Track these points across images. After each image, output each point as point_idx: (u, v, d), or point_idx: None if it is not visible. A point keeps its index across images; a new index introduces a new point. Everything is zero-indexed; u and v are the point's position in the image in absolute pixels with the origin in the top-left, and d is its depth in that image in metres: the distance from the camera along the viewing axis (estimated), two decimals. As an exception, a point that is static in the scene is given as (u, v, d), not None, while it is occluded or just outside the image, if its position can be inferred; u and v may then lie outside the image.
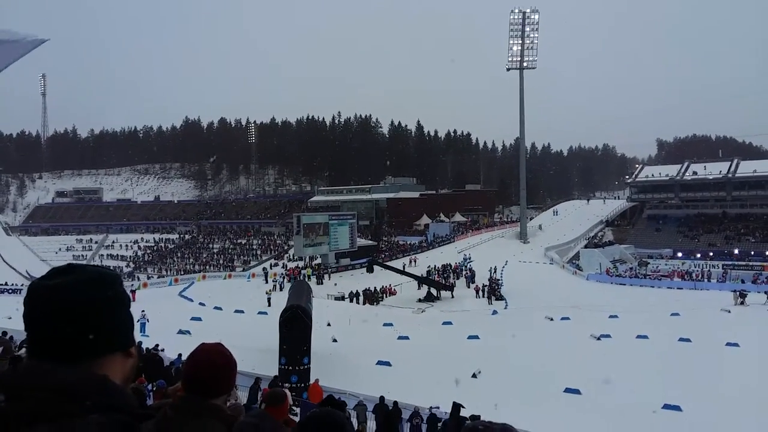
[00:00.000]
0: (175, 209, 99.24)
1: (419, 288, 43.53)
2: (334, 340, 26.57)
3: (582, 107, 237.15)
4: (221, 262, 68.12)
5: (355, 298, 40.66)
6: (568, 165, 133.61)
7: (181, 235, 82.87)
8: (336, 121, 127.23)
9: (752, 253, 55.49)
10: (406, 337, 27.84)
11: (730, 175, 66.09)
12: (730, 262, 51.10)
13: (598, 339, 27.10)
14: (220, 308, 34.58)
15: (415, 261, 55.18)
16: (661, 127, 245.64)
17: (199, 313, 31.95)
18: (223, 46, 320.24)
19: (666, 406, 17.20)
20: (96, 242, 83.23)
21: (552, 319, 32.32)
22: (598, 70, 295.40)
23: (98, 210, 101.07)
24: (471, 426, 1.48)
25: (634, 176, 75.99)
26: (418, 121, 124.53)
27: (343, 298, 40.96)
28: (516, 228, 69.76)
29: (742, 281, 43.33)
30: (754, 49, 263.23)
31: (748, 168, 66.53)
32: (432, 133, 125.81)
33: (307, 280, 43.34)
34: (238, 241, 75.83)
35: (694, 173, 69.43)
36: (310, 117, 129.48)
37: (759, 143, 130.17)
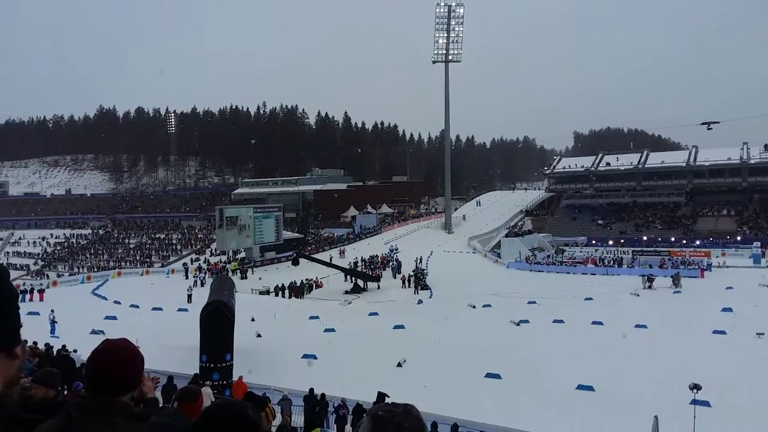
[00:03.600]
0: (88, 203, 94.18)
1: (346, 280, 43.53)
2: (259, 336, 26.10)
3: (504, 100, 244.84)
4: (138, 258, 65.39)
5: (280, 292, 40.12)
6: (491, 157, 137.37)
7: (95, 230, 78.79)
8: (261, 112, 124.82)
9: (659, 239, 59.32)
10: (333, 330, 27.76)
11: (640, 166, 70.23)
12: (639, 249, 54.31)
13: (518, 324, 28.11)
14: (137, 306, 33.16)
15: (343, 253, 55.12)
16: (577, 120, 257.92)
17: (114, 312, 30.51)
18: (141, 31, 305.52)
19: (580, 387, 18.04)
20: (1, 239, 77.72)
21: (474, 307, 33.21)
22: (519, 65, 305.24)
23: (3, 204, 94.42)
24: (374, 409, 1.43)
25: (552, 167, 79.18)
26: (346, 113, 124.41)
27: (268, 293, 40.33)
28: (441, 219, 71.09)
29: (650, 266, 46.13)
30: (664, 45, 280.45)
31: (656, 159, 71.00)
32: (359, 125, 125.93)
33: (230, 275, 42.30)
34: (157, 235, 72.97)
35: (608, 164, 73.22)
36: (233, 107, 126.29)
37: (667, 136, 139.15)
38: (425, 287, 41.90)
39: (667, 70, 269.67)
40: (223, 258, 54.02)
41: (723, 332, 24.91)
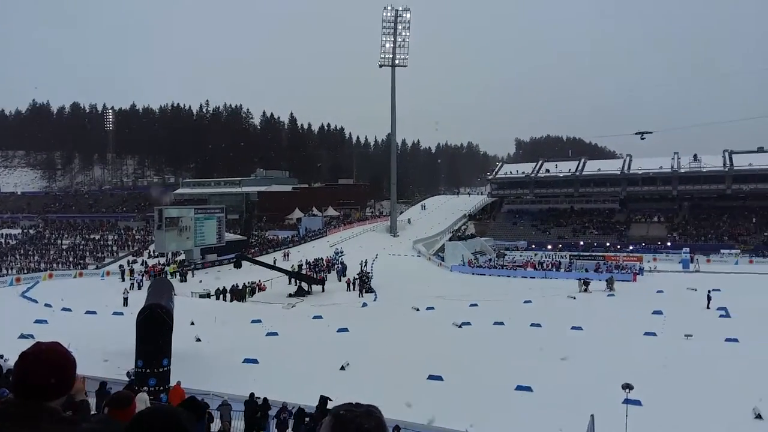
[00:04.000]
0: (18, 201, 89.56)
1: (290, 283, 43.05)
2: (198, 340, 25.44)
3: (449, 106, 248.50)
4: (71, 259, 62.52)
5: (221, 296, 39.25)
6: (436, 161, 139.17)
7: (25, 230, 74.91)
8: (204, 110, 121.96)
9: (595, 244, 61.60)
10: (275, 333, 27.38)
11: (578, 173, 72.78)
12: (576, 253, 56.21)
13: (460, 327, 28.52)
14: (69, 309, 31.70)
15: (287, 255, 54.49)
16: (519, 127, 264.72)
17: (45, 316, 29.06)
18: (79, 25, 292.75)
19: (519, 387, 18.48)
20: None
21: (418, 310, 33.51)
22: (464, 71, 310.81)
23: None
24: (336, 409, 1.43)
25: (494, 173, 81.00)
26: (291, 114, 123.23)
27: (208, 296, 39.35)
28: (386, 222, 71.39)
29: (586, 270, 47.81)
30: (600, 53, 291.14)
31: (593, 167, 73.78)
32: (305, 126, 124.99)
33: (169, 277, 41.06)
34: (91, 236, 70.03)
35: (547, 171, 75.51)
36: (174, 104, 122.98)
37: (604, 144, 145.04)
38: (370, 290, 41.94)
39: (605, 81, 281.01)
40: (162, 260, 52.38)
41: (654, 334, 26.06)
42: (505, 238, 67.45)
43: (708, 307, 31.98)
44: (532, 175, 75.71)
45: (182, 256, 51.85)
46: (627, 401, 14.48)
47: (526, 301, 35.46)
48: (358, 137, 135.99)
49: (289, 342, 25.75)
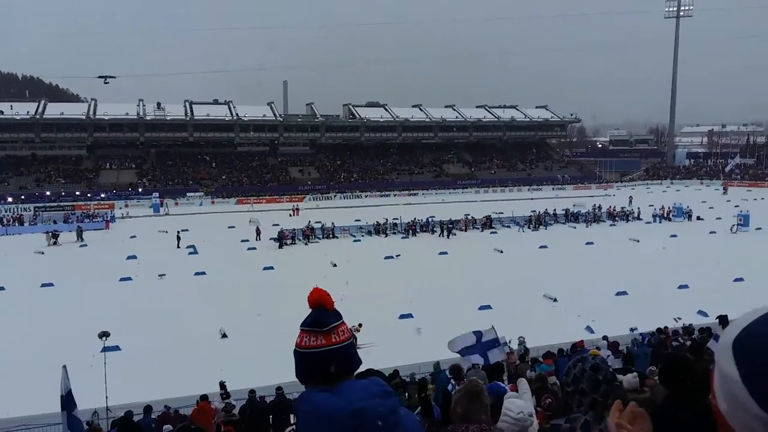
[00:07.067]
0: None
1: None
2: None
3: None
4: None
5: None
6: None
7: None
8: None
9: (63, 193, 57.32)
10: None
11: (38, 117, 65.14)
12: (41, 205, 51.01)
13: None
14: None
15: None
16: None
17: None
18: None
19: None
20: None
21: None
22: None
23: None
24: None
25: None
26: None
27: None
28: None
29: (54, 222, 44.18)
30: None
31: (56, 110, 67.31)
32: None
33: None
34: None
35: (1, 113, 64.88)
36: None
37: (66, 86, 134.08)
38: None
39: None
40: None
41: (129, 278, 26.47)
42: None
43: (179, 247, 34.54)
44: (-20, 116, 63.78)
45: None
46: (105, 349, 14.37)
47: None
48: None
49: None
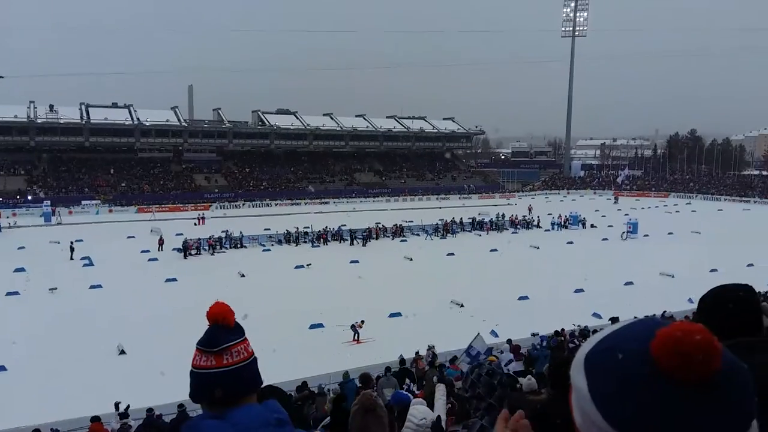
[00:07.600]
0: None
1: None
2: None
3: None
4: None
5: None
6: None
7: None
8: None
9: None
10: None
11: None
12: None
13: None
14: None
15: None
16: None
17: None
18: None
19: None
20: None
21: None
22: None
23: None
24: None
25: None
26: None
27: None
28: None
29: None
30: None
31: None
32: None
33: None
34: None
35: None
36: None
37: None
38: None
39: None
40: None
41: (16, 293, 24.54)
42: None
43: (72, 258, 32.37)
44: None
45: None
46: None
47: None
48: None
49: None
